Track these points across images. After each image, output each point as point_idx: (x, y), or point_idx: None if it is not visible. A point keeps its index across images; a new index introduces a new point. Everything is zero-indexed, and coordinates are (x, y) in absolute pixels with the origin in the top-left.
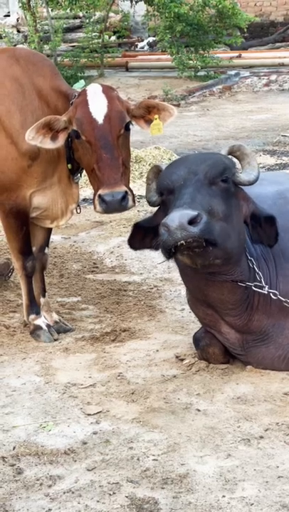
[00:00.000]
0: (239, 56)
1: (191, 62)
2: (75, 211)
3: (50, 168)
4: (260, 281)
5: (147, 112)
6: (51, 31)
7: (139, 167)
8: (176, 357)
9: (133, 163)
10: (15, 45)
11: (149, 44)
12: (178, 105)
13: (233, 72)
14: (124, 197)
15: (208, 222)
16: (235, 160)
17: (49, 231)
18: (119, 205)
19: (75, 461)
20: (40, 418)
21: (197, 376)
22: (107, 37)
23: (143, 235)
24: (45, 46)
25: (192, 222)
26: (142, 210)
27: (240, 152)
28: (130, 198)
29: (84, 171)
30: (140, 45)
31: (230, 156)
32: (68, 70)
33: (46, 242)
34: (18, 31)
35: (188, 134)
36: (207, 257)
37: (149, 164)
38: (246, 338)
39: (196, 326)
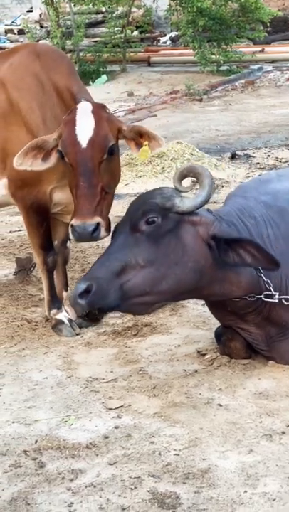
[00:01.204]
0: (262, 50)
1: (213, 56)
2: None
3: None
4: (270, 290)
5: (139, 136)
6: (74, 26)
7: (161, 162)
8: (198, 352)
9: (155, 157)
10: (37, 41)
11: (172, 39)
12: (200, 100)
13: (255, 67)
14: (96, 229)
15: (95, 293)
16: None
17: None
18: (90, 236)
19: (97, 455)
20: (62, 412)
21: (219, 371)
22: (129, 32)
23: None
24: (67, 41)
25: (83, 294)
26: None
27: (192, 173)
28: (102, 229)
29: None
30: (162, 39)
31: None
32: (90, 65)
33: (68, 236)
34: (41, 26)
35: (210, 128)
36: (138, 309)
37: (171, 159)
38: (269, 333)
39: (217, 321)
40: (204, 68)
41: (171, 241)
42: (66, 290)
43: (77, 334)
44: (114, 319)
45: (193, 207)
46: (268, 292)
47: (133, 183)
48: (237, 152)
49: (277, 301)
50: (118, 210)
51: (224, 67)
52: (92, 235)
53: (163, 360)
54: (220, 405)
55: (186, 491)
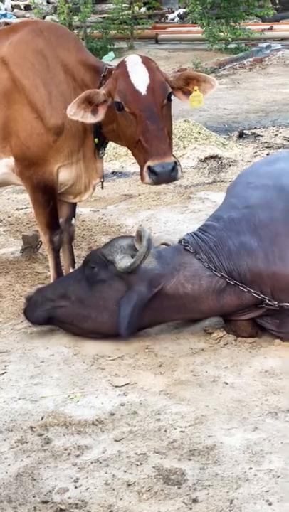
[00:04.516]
0: (271, 28)
1: (221, 34)
2: (99, 186)
3: (76, 142)
4: (269, 300)
5: (186, 84)
6: (81, 2)
7: None
8: (204, 330)
9: None
10: (44, 17)
11: (180, 16)
12: None
13: (264, 45)
14: (174, 167)
15: (31, 303)
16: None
17: (74, 203)
18: (169, 175)
19: (103, 431)
20: (68, 389)
21: (225, 349)
22: (137, 8)
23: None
24: (74, 17)
25: (27, 300)
26: (171, 184)
27: (141, 236)
28: (179, 168)
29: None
30: (170, 16)
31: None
32: (98, 41)
33: (73, 213)
34: (48, 2)
35: (218, 107)
36: (70, 331)
37: (178, 138)
38: (278, 311)
39: None
40: (212, 46)
41: (103, 289)
42: (73, 267)
43: None
44: None
45: (123, 269)
46: (268, 301)
47: None
48: (245, 131)
49: (277, 308)
50: (124, 188)
51: (232, 45)
52: (171, 174)
53: (169, 338)
54: (226, 383)
55: (191, 468)
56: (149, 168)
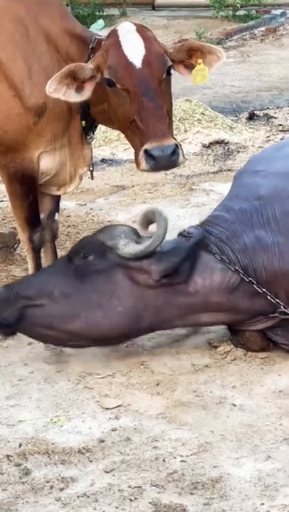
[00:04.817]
0: None
1: None
2: (87, 176)
3: (61, 125)
4: (284, 307)
5: (188, 56)
6: None
7: None
8: (209, 343)
9: None
10: None
11: None
12: None
13: (278, 12)
14: (175, 151)
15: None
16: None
17: (58, 196)
18: (169, 160)
19: (91, 461)
20: (50, 412)
21: (233, 366)
22: None
23: None
24: None
25: None
26: (170, 173)
27: (153, 217)
28: (181, 152)
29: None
30: None
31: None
32: (85, 7)
33: (56, 207)
34: None
35: (224, 84)
36: (43, 339)
37: (179, 120)
38: None
39: None
40: (218, 13)
41: (98, 281)
42: None
43: None
44: None
45: (131, 255)
46: (282, 309)
47: None
48: (256, 112)
49: None
50: (116, 178)
51: (241, 12)
52: (172, 159)
53: (168, 352)
54: (234, 405)
55: (193, 503)
56: (145, 151)
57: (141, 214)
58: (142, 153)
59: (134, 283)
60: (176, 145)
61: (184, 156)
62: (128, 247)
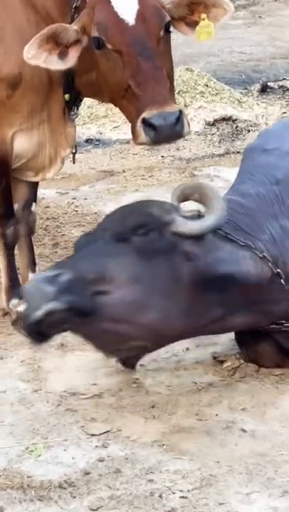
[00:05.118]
0: None
1: None
2: (69, 159)
3: (39, 99)
4: None
5: (190, 12)
6: None
7: None
8: (214, 358)
9: None
10: None
11: None
12: None
13: None
14: (179, 119)
15: (71, 282)
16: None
17: (36, 183)
18: (173, 130)
19: (74, 497)
20: (26, 439)
21: (242, 384)
22: None
23: None
24: None
25: (52, 279)
26: (168, 156)
27: (198, 194)
28: (186, 120)
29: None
30: None
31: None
32: None
33: (33, 197)
34: None
35: (232, 50)
36: (107, 341)
37: (178, 92)
38: None
39: None
40: None
41: (161, 265)
42: (33, 271)
43: None
44: None
45: (198, 230)
46: None
47: (126, 125)
48: (269, 83)
49: None
50: (103, 162)
51: None
52: (176, 129)
53: (165, 368)
54: (244, 431)
55: None
56: (144, 121)
57: (177, 189)
58: (139, 123)
59: (192, 272)
60: (181, 111)
61: (189, 125)
62: (190, 223)
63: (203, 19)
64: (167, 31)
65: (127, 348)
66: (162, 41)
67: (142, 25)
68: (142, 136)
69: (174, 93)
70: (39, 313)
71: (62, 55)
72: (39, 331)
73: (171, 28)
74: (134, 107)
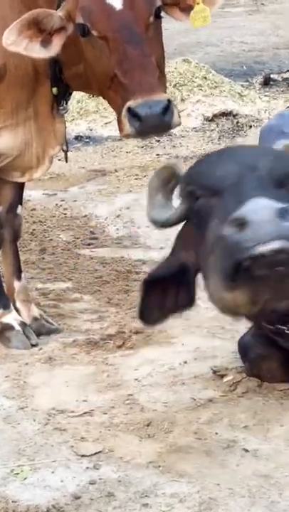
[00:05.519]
0: None
1: None
2: (57, 158)
3: (25, 93)
4: None
5: None
6: None
7: None
8: (214, 372)
9: None
10: None
11: None
12: None
13: None
14: (167, 108)
15: None
16: None
17: (22, 183)
18: (160, 120)
19: None
20: (11, 460)
21: (244, 400)
22: None
23: (161, 295)
24: None
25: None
26: (163, 154)
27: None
28: (176, 111)
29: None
30: None
31: None
32: None
33: (18, 199)
34: None
35: (232, 40)
36: None
37: (174, 85)
38: None
39: (243, 325)
40: None
41: None
42: (19, 279)
43: (33, 345)
44: (89, 323)
45: None
46: None
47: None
48: (272, 75)
49: None
50: (94, 160)
51: None
52: (163, 119)
53: (161, 383)
54: (246, 451)
55: None
56: (129, 110)
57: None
58: (124, 112)
59: None
60: (169, 100)
61: (179, 116)
62: None
63: (198, 3)
64: (158, 17)
65: None
66: (152, 27)
67: (130, 10)
68: (127, 127)
69: (165, 83)
70: (267, 247)
71: (46, 43)
72: (247, 270)
73: (167, 16)
74: (121, 97)
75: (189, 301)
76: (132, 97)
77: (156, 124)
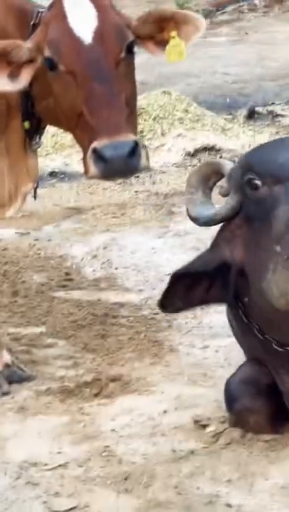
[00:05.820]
0: None
1: None
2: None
3: None
4: None
5: (159, 29)
6: None
7: (138, 122)
8: (195, 422)
9: None
10: None
11: None
12: None
13: None
14: (134, 150)
15: None
16: None
17: None
18: (125, 163)
19: None
20: None
21: (227, 452)
22: None
23: (189, 286)
24: None
25: None
26: (142, 191)
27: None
28: (143, 153)
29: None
30: None
31: None
32: None
33: None
34: None
35: (215, 71)
36: None
37: (154, 119)
38: None
39: (226, 371)
40: None
41: None
42: None
43: (4, 394)
44: (64, 370)
45: None
46: None
47: None
48: (257, 108)
49: None
50: (69, 198)
51: None
52: (130, 161)
53: (140, 434)
54: (229, 506)
55: None
56: (94, 151)
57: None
58: (89, 153)
59: None
60: (136, 142)
61: (148, 157)
62: None
63: (174, 37)
64: (130, 52)
65: None
66: (123, 63)
67: (100, 44)
68: (92, 169)
69: (135, 122)
70: None
71: (14, 75)
72: None
73: (142, 48)
74: (87, 136)
75: (222, 299)
76: (97, 137)
77: (121, 167)
